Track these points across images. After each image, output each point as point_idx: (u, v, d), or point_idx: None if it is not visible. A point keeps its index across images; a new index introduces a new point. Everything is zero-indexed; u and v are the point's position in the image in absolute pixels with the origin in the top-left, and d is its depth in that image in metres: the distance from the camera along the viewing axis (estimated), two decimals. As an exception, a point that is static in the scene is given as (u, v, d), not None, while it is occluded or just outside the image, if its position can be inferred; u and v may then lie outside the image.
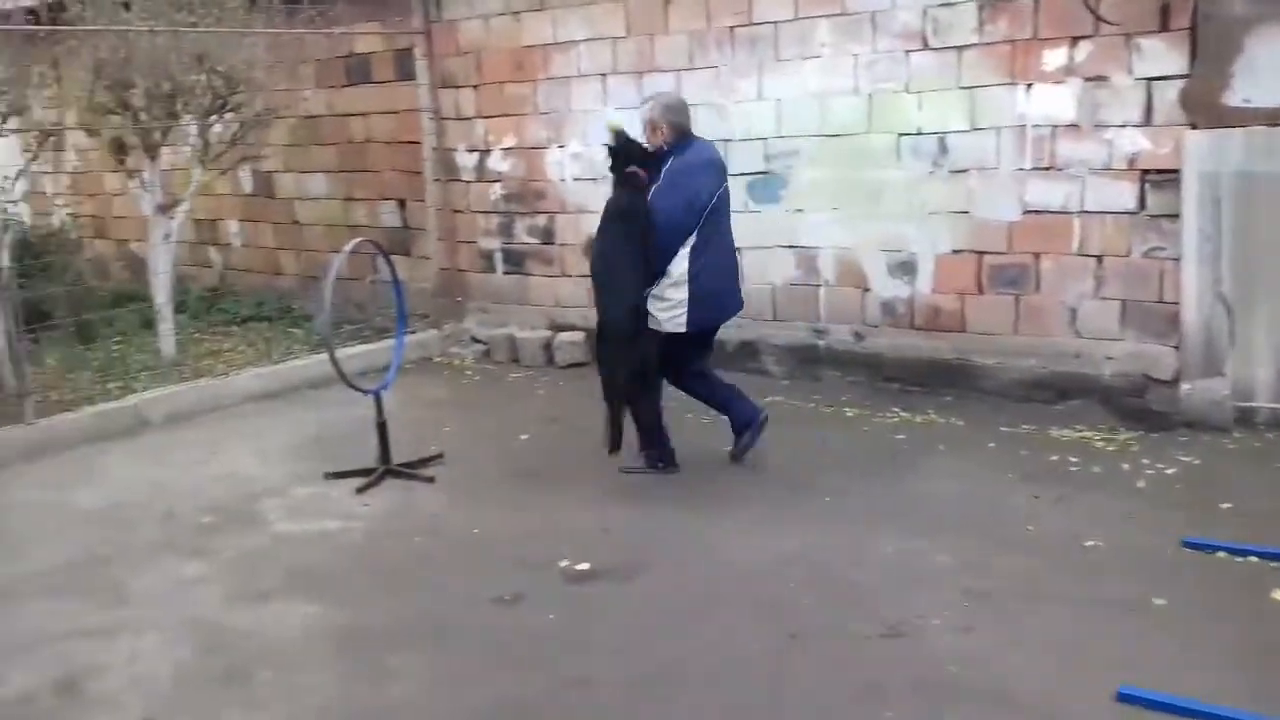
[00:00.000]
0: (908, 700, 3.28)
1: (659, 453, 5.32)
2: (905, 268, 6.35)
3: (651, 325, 5.08)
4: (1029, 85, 5.79)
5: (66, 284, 8.41)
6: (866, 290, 6.51)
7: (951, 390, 6.28)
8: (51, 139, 8.29)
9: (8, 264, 6.47)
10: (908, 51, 6.09)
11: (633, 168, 5.04)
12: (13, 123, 7.24)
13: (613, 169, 5.12)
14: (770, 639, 3.67)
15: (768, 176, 6.70)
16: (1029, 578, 4.04)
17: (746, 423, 5.37)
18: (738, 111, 6.74)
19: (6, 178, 7.45)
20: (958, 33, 5.93)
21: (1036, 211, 5.89)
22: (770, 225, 6.75)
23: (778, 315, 6.87)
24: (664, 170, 5.04)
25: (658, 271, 5.00)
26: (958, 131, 6.02)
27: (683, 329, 5.06)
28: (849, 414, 6.18)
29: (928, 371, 6.37)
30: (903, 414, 6.09)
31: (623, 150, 5.06)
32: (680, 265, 5.01)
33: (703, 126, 6.77)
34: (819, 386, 6.66)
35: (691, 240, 5.01)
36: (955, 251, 6.17)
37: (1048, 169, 5.81)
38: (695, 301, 5.03)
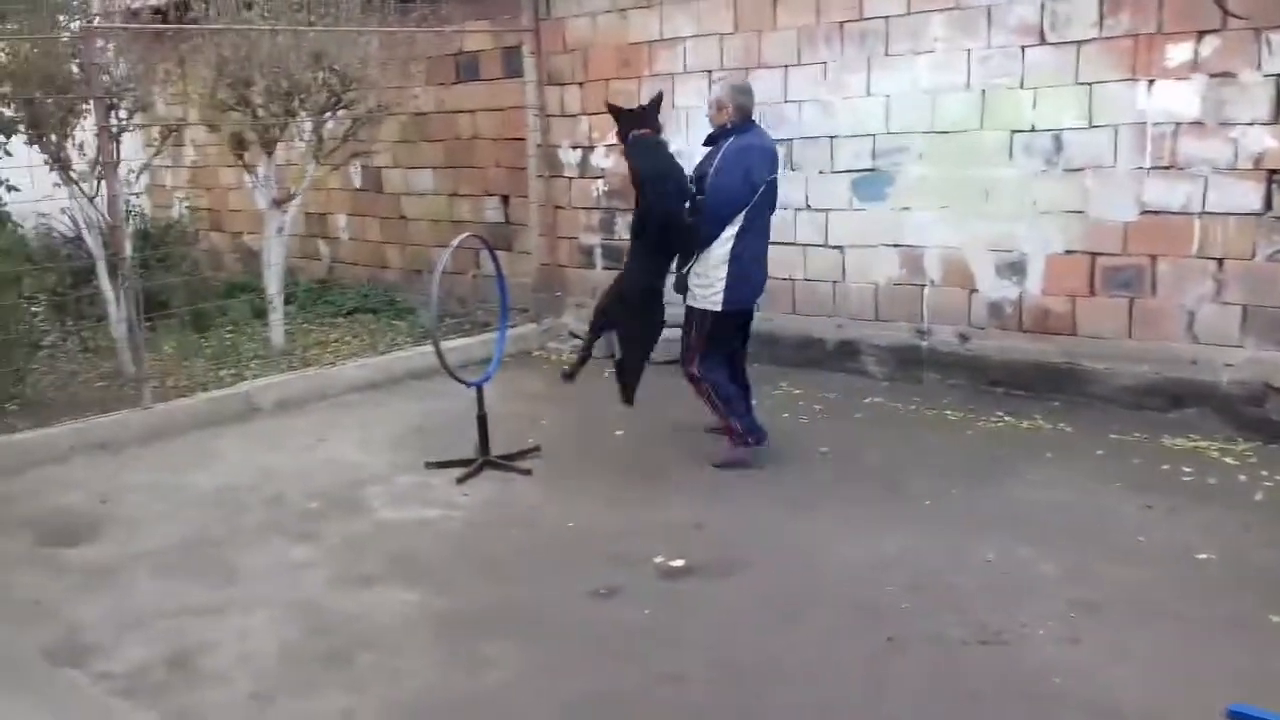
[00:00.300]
0: (1009, 710, 3.21)
1: (743, 430, 5.34)
2: (1014, 268, 6.19)
3: (689, 302, 5.28)
4: (1150, 81, 5.58)
5: (183, 274, 8.71)
6: (973, 291, 6.37)
7: (1059, 395, 6.10)
8: (173, 134, 8.57)
9: (129, 254, 6.72)
10: (1024, 46, 5.93)
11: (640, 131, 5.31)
12: (138, 118, 7.52)
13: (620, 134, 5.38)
14: (867, 642, 3.61)
15: (874, 174, 6.60)
16: (1138, 590, 3.91)
17: (751, 431, 5.38)
18: (845, 108, 6.65)
19: (131, 171, 7.75)
20: (1077, 27, 5.75)
21: (1154, 212, 5.68)
22: (875, 223, 6.65)
23: (879, 315, 6.77)
24: (724, 147, 5.16)
25: (703, 243, 5.13)
26: (1074, 129, 5.84)
27: (718, 308, 5.20)
28: (951, 417, 6.05)
29: (1035, 375, 6.20)
30: (1007, 419, 5.94)
31: (623, 115, 5.43)
32: (724, 246, 5.13)
33: (808, 123, 6.78)
34: (920, 389, 6.54)
35: (739, 222, 5.12)
36: (1067, 252, 5.99)
37: (1168, 168, 5.60)
38: (733, 281, 5.16)
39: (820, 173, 6.82)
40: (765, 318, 7.21)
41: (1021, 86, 5.99)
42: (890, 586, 4.01)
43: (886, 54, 6.43)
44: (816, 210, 6.89)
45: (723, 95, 5.24)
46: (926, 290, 6.55)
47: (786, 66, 6.85)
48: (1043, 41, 5.88)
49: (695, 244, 5.19)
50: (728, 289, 5.17)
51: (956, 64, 6.19)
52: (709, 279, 5.19)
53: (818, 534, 4.53)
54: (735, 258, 5.14)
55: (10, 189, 7.49)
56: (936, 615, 3.78)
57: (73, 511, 5.14)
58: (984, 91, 6.12)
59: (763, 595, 4.01)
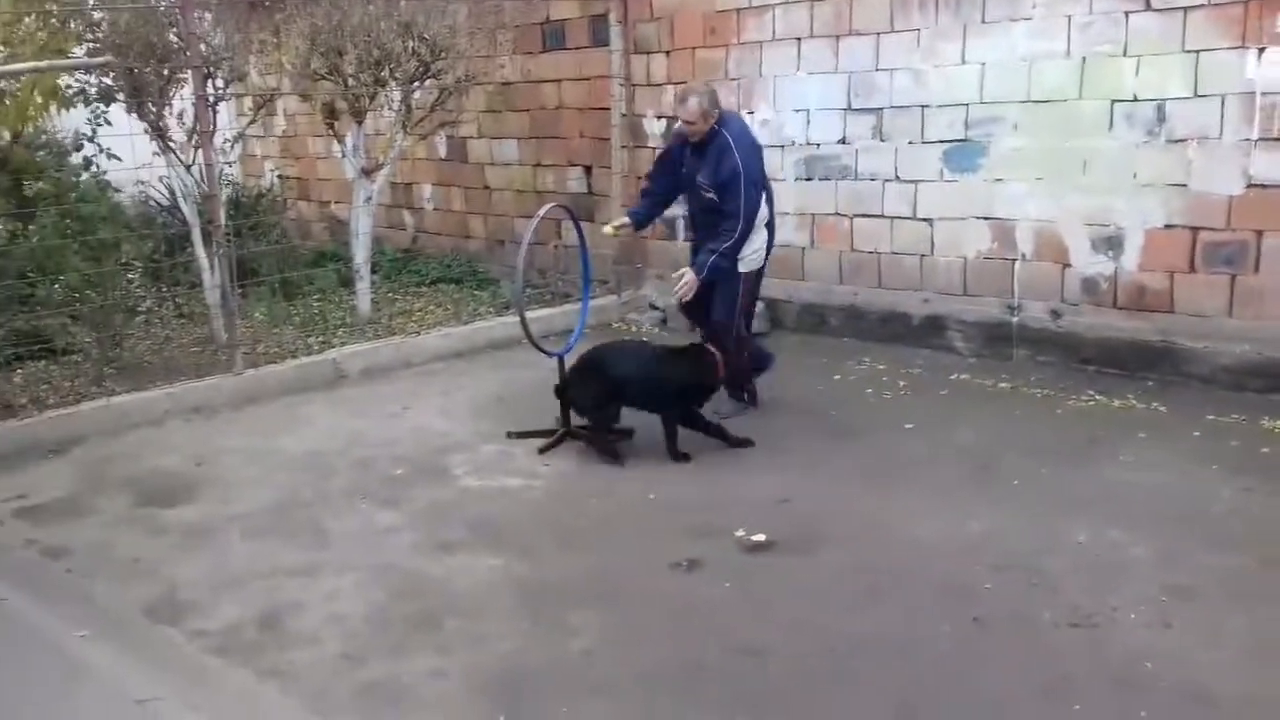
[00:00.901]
0: (1099, 694, 3.14)
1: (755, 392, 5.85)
2: (1110, 242, 6.01)
3: (741, 268, 5.56)
4: (1261, 50, 5.35)
5: (272, 243, 8.89)
6: (1066, 265, 6.20)
7: (1154, 374, 5.93)
8: (267, 104, 8.72)
9: (224, 223, 6.87)
10: (1127, 12, 5.73)
11: None
12: (234, 88, 7.66)
13: None
14: (953, 622, 3.56)
15: (966, 144, 6.45)
16: (1235, 575, 3.80)
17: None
18: (938, 76, 6.50)
19: (226, 140, 7.90)
20: (1184, -9, 5.54)
21: (1262, 185, 5.46)
22: (966, 195, 6.51)
23: (968, 289, 6.63)
24: (731, 142, 5.41)
25: (748, 226, 5.42)
26: (1178, 98, 5.63)
27: (760, 264, 5.69)
28: (1040, 395, 5.92)
29: (1129, 353, 6.03)
30: (1099, 397, 5.78)
31: None
32: (763, 212, 5.56)
33: (900, 92, 6.66)
34: (1008, 366, 6.41)
35: (765, 192, 5.60)
36: (1167, 226, 5.80)
37: (1277, 140, 5.38)
38: (767, 245, 5.70)
39: (910, 143, 6.69)
40: (850, 290, 7.15)
41: (1124, 54, 5.78)
42: (977, 566, 3.94)
43: (983, 21, 6.26)
44: (905, 182, 6.77)
45: (707, 106, 5.44)
46: (1018, 264, 6.40)
47: (878, 34, 6.71)
48: (1148, 7, 5.67)
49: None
50: (767, 248, 5.72)
51: (1056, 31, 6.00)
52: (752, 245, 5.55)
53: (903, 512, 4.47)
54: (768, 226, 5.68)
55: (112, 157, 7.71)
56: (1025, 596, 3.72)
57: (170, 473, 5.30)
58: (1084, 59, 5.93)
59: (846, 572, 3.97)
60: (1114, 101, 5.86)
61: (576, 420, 5.51)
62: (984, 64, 6.31)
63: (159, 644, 3.68)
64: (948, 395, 6.03)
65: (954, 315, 6.72)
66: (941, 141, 6.54)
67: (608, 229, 5.89)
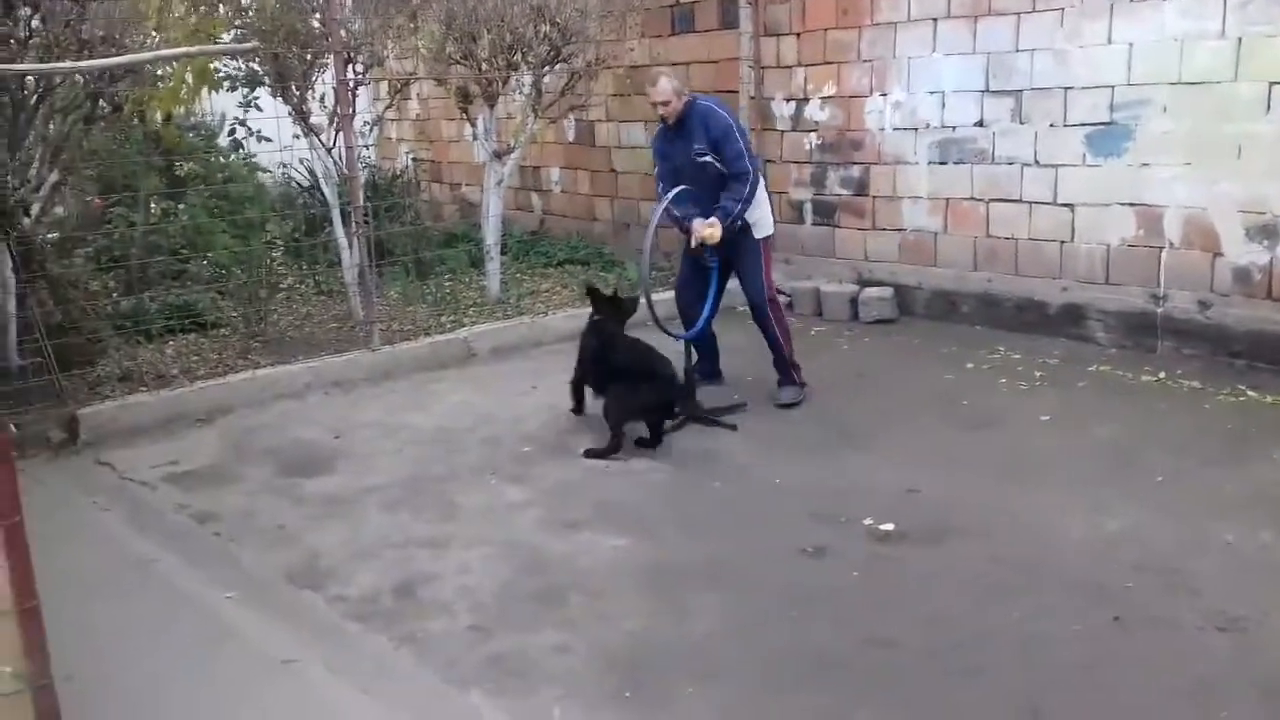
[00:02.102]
0: (1245, 701, 3.02)
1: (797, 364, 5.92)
2: (1266, 231, 5.72)
3: (758, 235, 5.78)
4: None
5: (407, 224, 9.12)
6: (1217, 255, 5.92)
7: (1311, 371, 5.63)
8: (404, 88, 8.93)
9: (362, 204, 7.08)
10: (1288, -10, 5.43)
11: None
12: (373, 72, 7.87)
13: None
14: (1091, 621, 3.45)
15: (1111, 127, 6.20)
16: (1398, 584, 3.58)
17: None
18: (1082, 57, 6.26)
19: (365, 124, 8.13)
20: (1353, -34, 5.21)
21: None
22: (1110, 180, 6.27)
23: (1110, 278, 6.40)
24: (712, 105, 5.71)
25: (756, 175, 5.64)
26: (1344, 79, 5.32)
27: (771, 231, 5.94)
28: (1187, 389, 5.68)
29: (1284, 348, 5.74)
30: (1250, 393, 5.52)
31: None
32: (760, 182, 5.73)
33: (1040, 74, 6.47)
34: (1152, 358, 6.16)
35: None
36: (1329, 215, 5.49)
37: None
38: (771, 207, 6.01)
39: (1051, 126, 6.47)
40: (985, 278, 6.97)
41: (1285, 33, 5.48)
42: (1116, 565, 3.82)
43: (1131, 0, 6.01)
44: (1045, 166, 6.55)
45: (677, 85, 5.66)
46: (1164, 253, 6.14)
47: (1019, 14, 6.50)
48: (1313, -17, 5.36)
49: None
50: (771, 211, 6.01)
51: (1210, 10, 5.72)
52: (761, 210, 5.78)
53: (1038, 506, 4.35)
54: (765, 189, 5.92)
55: (262, 139, 8.02)
56: (1167, 598, 3.58)
57: (310, 444, 5.51)
58: (1240, 39, 5.64)
59: (977, 566, 3.89)
60: (1272, 84, 5.55)
61: (711, 403, 5.52)
62: (1131, 44, 6.05)
63: (301, 608, 3.84)
64: (1086, 387, 5.83)
65: (1094, 304, 6.49)
66: (1084, 125, 6.31)
67: (706, 231, 5.61)
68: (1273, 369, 5.74)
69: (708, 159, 5.60)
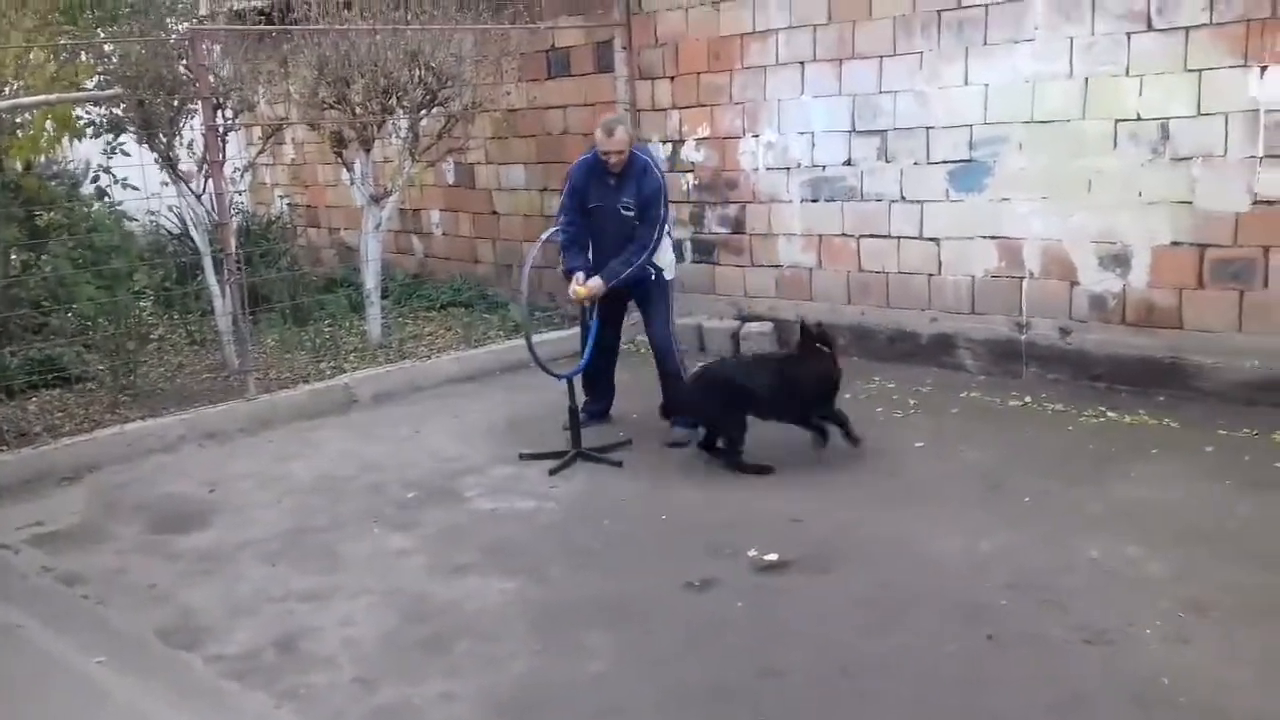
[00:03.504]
0: (1116, 712, 3.14)
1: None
2: (1118, 260, 6.03)
3: (668, 277, 5.92)
4: (1264, 68, 5.38)
5: (283, 270, 8.95)
6: (1074, 283, 6.22)
7: (1164, 390, 5.92)
8: (276, 133, 8.80)
9: (234, 250, 6.92)
10: (1129, 33, 5.76)
11: None
12: (243, 118, 7.74)
13: None
14: (968, 640, 3.56)
15: (971, 164, 6.48)
16: (1253, 592, 3.78)
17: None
18: (941, 98, 6.54)
19: (236, 169, 7.97)
20: (1186, 12, 5.56)
21: (1268, 202, 5.48)
22: (972, 214, 6.54)
23: (976, 308, 6.65)
24: (650, 161, 5.76)
25: (660, 238, 5.72)
26: (1181, 117, 5.66)
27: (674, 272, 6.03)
28: (1051, 412, 5.92)
29: (1139, 370, 6.03)
30: (1110, 414, 5.79)
31: None
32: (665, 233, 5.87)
33: (903, 114, 6.70)
34: (1018, 383, 6.42)
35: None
36: (1174, 244, 5.81)
37: (1282, 156, 5.41)
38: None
39: (915, 164, 6.73)
40: (858, 310, 7.17)
41: (1127, 74, 5.82)
42: (990, 585, 3.94)
43: (985, 43, 6.31)
44: (911, 202, 6.80)
45: (630, 134, 5.73)
46: (1026, 282, 6.42)
47: (881, 57, 6.76)
48: (1149, 28, 5.71)
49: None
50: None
51: (1058, 52, 6.04)
52: (669, 254, 5.93)
53: (915, 530, 4.47)
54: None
55: (128, 187, 7.78)
56: (1039, 614, 3.71)
57: (183, 499, 5.33)
58: (1087, 80, 5.96)
59: (860, 591, 3.97)
60: (1118, 121, 5.89)
61: (587, 442, 5.55)
62: (987, 85, 6.35)
63: (176, 669, 3.70)
64: (958, 413, 6.04)
65: (963, 333, 6.74)
66: (946, 162, 6.58)
67: (582, 290, 5.65)
68: (1131, 390, 6.03)
69: (631, 214, 5.65)
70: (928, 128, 6.63)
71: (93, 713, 3.44)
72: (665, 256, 5.88)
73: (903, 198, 6.84)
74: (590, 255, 5.76)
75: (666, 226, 5.83)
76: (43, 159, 8.40)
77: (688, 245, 8.15)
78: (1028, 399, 6.14)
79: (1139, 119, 5.82)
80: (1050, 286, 6.33)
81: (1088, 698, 3.21)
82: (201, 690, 3.55)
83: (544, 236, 5.64)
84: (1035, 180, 6.25)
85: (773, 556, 4.27)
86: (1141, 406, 5.82)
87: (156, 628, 3.97)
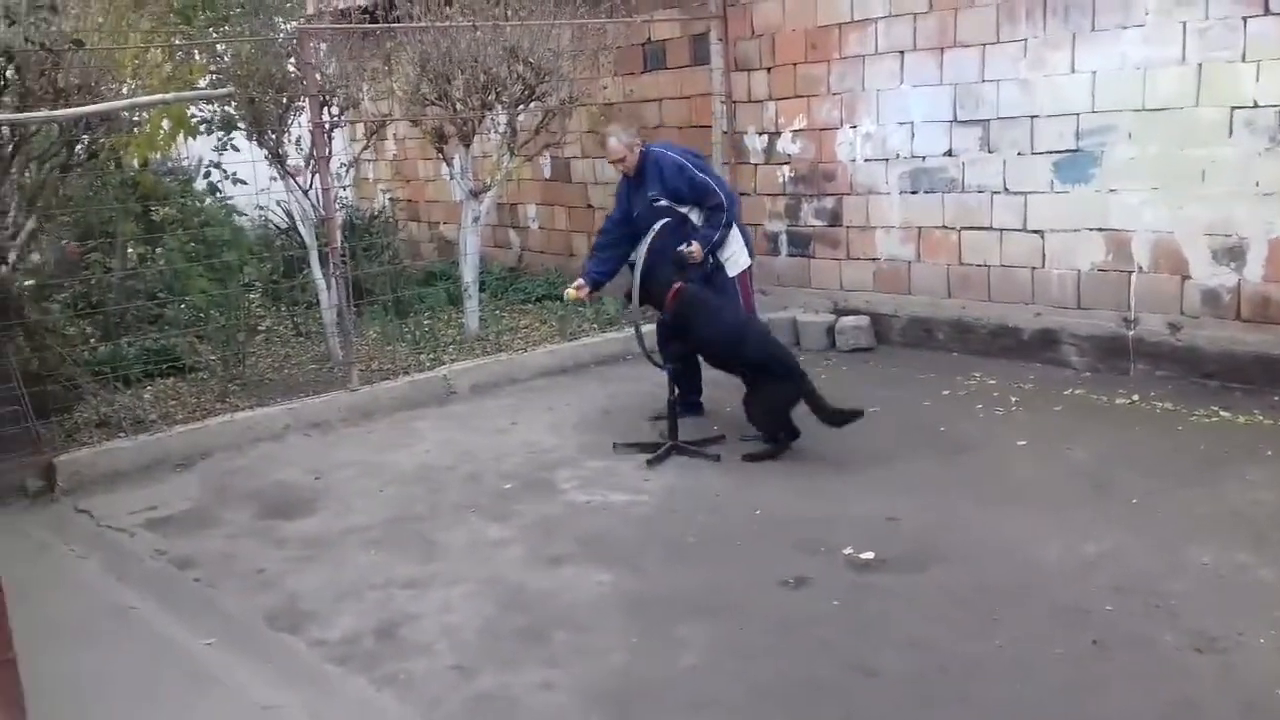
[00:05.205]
0: (1227, 721, 3.03)
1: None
2: (1232, 253, 5.81)
3: (731, 273, 5.92)
4: (1391, 49, 5.13)
5: (385, 263, 9.14)
6: (1186, 277, 6.01)
7: (1281, 389, 5.70)
8: (380, 129, 8.98)
9: (340, 244, 7.09)
10: (1245, 17, 5.54)
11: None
12: (348, 114, 7.92)
13: None
14: (1071, 645, 3.47)
15: (1077, 155, 6.31)
16: (1375, 601, 3.62)
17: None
18: (1047, 86, 6.38)
19: (341, 165, 8.16)
20: (1308, -7, 5.34)
21: (1395, 191, 5.23)
22: (1078, 206, 6.36)
23: (1082, 303, 6.48)
24: (661, 150, 5.86)
25: (729, 223, 5.80)
26: (1301, 103, 5.43)
27: (745, 266, 6.00)
28: (1160, 411, 5.74)
29: (1254, 368, 5.81)
30: (1223, 413, 5.58)
31: None
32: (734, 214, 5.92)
33: (1006, 103, 6.55)
34: (1125, 380, 6.23)
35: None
36: (1293, 236, 5.58)
37: None
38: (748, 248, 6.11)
39: (1019, 154, 6.57)
40: (959, 304, 7.05)
41: (1243, 60, 5.60)
42: (1095, 588, 3.84)
43: (1093, 29, 6.13)
44: (1014, 193, 6.65)
45: (628, 140, 5.84)
46: (1134, 277, 6.22)
47: (984, 45, 6.62)
48: (1267, 11, 5.49)
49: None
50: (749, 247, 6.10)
51: (1170, 37, 5.84)
52: (733, 247, 5.92)
53: (1016, 531, 4.38)
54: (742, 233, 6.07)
55: (238, 182, 8.03)
56: (1146, 619, 3.61)
57: (290, 486, 5.49)
58: (1200, 66, 5.76)
59: (958, 592, 3.91)
60: (1233, 109, 5.67)
61: (684, 435, 5.55)
62: (1095, 72, 6.17)
63: (281, 652, 3.81)
64: (1062, 411, 5.89)
65: (1067, 329, 6.57)
66: (1052, 152, 6.42)
67: (570, 292, 5.97)
68: (1245, 389, 5.81)
69: (663, 204, 5.72)
70: (1032, 117, 6.47)
71: (202, 692, 3.57)
72: (727, 251, 5.90)
73: (1005, 189, 6.69)
74: (611, 262, 6.00)
75: (734, 209, 5.87)
76: (158, 156, 8.73)
77: (783, 238, 8.10)
78: (1135, 397, 5.95)
79: (1256, 106, 5.59)
80: (1160, 280, 6.12)
81: (1198, 707, 3.11)
82: (305, 673, 3.65)
83: (655, 228, 5.61)
84: (1145, 170, 6.06)
85: (869, 555, 4.22)
86: (1256, 406, 5.61)
87: (263, 611, 4.10)
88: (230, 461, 5.90)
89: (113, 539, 4.96)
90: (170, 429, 6.11)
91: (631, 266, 5.67)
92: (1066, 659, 3.40)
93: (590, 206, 9.71)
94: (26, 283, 6.68)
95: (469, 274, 8.03)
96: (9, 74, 5.68)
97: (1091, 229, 6.34)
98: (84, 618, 4.14)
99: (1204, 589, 3.80)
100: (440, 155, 8.34)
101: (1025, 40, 6.43)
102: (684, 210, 5.77)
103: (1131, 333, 6.29)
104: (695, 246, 5.64)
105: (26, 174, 6.12)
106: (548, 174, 10.08)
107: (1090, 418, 5.73)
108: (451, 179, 8.28)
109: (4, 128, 5.67)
